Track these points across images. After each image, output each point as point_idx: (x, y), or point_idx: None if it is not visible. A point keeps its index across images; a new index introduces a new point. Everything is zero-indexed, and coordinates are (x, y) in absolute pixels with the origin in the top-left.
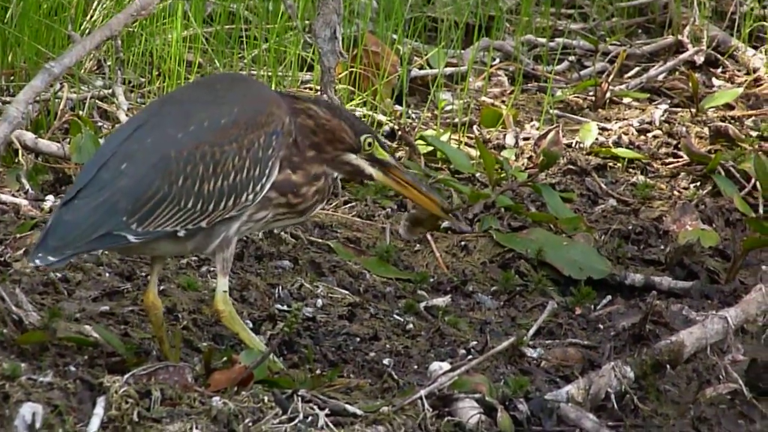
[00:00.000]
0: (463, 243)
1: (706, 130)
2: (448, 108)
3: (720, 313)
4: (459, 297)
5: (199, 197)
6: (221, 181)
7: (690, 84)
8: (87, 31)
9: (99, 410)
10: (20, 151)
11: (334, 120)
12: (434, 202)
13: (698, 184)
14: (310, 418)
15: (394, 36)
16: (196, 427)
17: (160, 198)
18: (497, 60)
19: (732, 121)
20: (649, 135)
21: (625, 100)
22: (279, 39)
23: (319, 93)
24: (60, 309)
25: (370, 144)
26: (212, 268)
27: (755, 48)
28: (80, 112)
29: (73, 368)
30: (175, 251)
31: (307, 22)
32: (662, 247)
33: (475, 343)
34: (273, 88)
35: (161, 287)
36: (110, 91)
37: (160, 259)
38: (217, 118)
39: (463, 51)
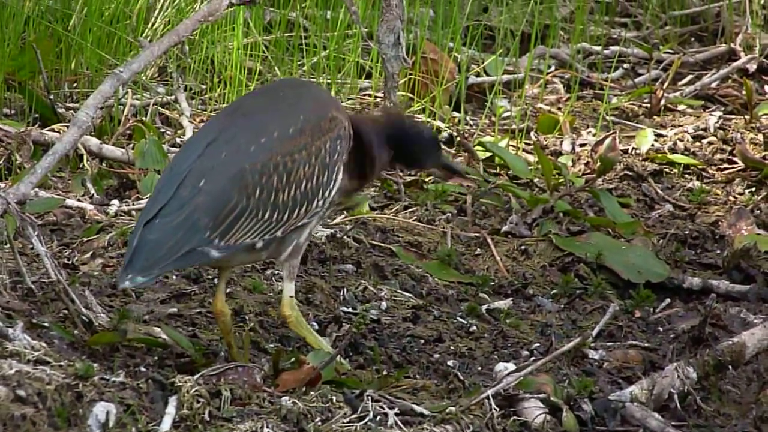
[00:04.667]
0: (523, 247)
1: (760, 136)
2: (506, 115)
3: None
4: (520, 300)
5: (274, 208)
6: (294, 189)
7: (744, 91)
8: (149, 38)
9: (171, 409)
10: (85, 156)
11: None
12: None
13: (753, 189)
14: (379, 418)
15: (451, 44)
16: (267, 426)
17: (239, 212)
18: (553, 68)
19: None
20: (704, 141)
21: (680, 107)
22: (338, 46)
23: (380, 99)
24: (129, 311)
25: None
26: (276, 271)
27: None
28: (143, 119)
29: (143, 369)
30: (249, 261)
31: (365, 30)
32: (719, 251)
33: (537, 344)
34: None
35: (227, 290)
36: (172, 97)
37: (227, 268)
38: (286, 128)
39: (519, 59)
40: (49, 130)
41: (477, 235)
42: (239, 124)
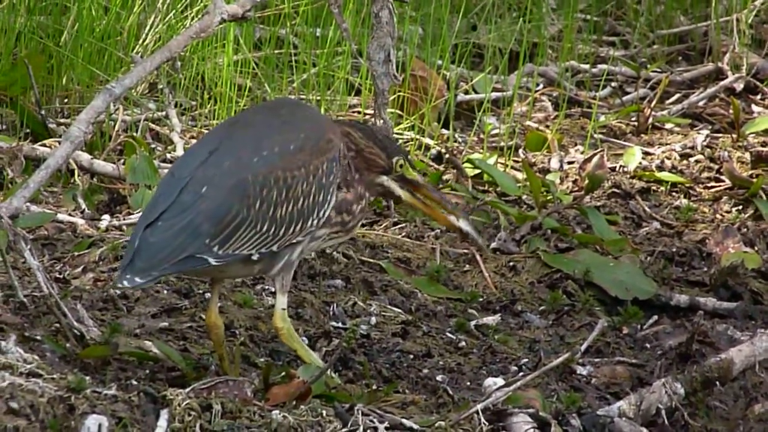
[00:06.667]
0: (511, 263)
1: (747, 155)
2: (494, 132)
3: None
4: (508, 316)
5: (273, 222)
6: (292, 205)
7: (731, 110)
8: (140, 54)
9: (163, 422)
10: (76, 171)
11: (369, 144)
12: (455, 226)
13: (740, 207)
14: None
15: (440, 62)
16: None
17: (240, 221)
18: (541, 86)
19: None
20: (692, 159)
21: (667, 126)
22: (327, 63)
23: (370, 116)
24: (120, 325)
25: (401, 165)
26: (266, 286)
27: None
28: (134, 134)
29: (135, 382)
30: (242, 274)
31: (355, 47)
32: (706, 268)
33: (526, 360)
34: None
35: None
36: (163, 113)
37: (219, 281)
38: (287, 144)
39: (507, 77)
40: (40, 145)
41: (465, 251)
42: (241, 137)
